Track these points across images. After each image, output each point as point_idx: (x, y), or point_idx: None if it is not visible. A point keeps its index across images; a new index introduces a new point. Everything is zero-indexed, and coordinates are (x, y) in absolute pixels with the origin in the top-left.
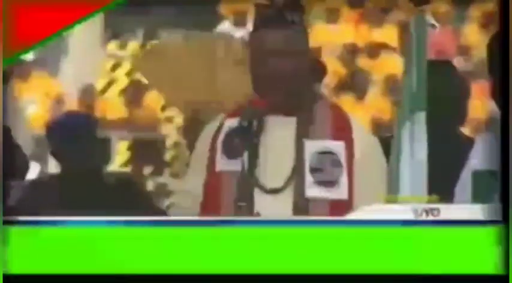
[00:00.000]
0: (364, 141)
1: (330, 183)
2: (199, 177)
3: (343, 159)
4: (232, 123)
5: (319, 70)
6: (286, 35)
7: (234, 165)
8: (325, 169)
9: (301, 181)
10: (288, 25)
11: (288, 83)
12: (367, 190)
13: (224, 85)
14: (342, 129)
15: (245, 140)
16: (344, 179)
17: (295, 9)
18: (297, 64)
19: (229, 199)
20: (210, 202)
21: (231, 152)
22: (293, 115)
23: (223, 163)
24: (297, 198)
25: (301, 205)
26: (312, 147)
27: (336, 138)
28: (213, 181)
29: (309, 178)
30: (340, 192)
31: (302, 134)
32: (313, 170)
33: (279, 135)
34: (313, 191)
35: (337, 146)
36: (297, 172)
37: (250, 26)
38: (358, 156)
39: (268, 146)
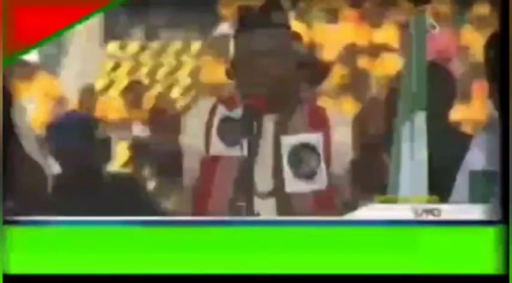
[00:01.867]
0: (341, 130)
1: (308, 175)
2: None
3: (320, 149)
4: (227, 112)
5: (319, 72)
6: (269, 36)
7: (230, 153)
8: (303, 161)
9: (280, 178)
10: (271, 26)
11: (271, 83)
12: (348, 179)
13: None
14: (319, 124)
15: (241, 133)
16: (322, 169)
17: (278, 10)
18: (281, 64)
19: (222, 196)
20: (205, 184)
21: (226, 139)
22: (274, 114)
23: (219, 149)
24: (278, 195)
25: (283, 201)
26: (288, 142)
27: (312, 131)
28: (208, 164)
29: (288, 173)
30: (319, 183)
31: (280, 131)
32: (292, 165)
33: (264, 133)
34: (293, 186)
35: (314, 138)
36: (277, 170)
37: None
38: (337, 145)
39: (256, 146)
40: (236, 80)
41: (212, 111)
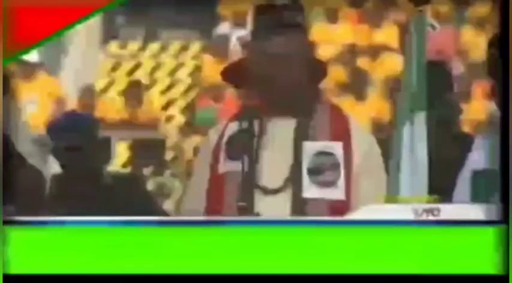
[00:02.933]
0: (363, 142)
1: (327, 184)
2: (204, 180)
3: (341, 160)
4: (234, 125)
5: (319, 70)
6: (286, 37)
7: (235, 166)
8: (323, 170)
9: (299, 182)
10: (288, 27)
11: (287, 85)
12: (365, 191)
13: None
14: (341, 130)
15: (246, 141)
16: (342, 180)
17: (295, 11)
18: (297, 66)
19: (230, 200)
20: (213, 203)
21: (233, 154)
22: (293, 116)
23: (225, 165)
24: (295, 199)
25: (299, 205)
26: (310, 148)
27: (334, 139)
28: (215, 182)
29: (306, 178)
30: (338, 193)
31: (301, 135)
32: (311, 171)
33: (278, 136)
34: (311, 192)
35: (336, 147)
36: (295, 172)
37: (249, 27)
38: (356, 157)
39: (268, 147)
40: (248, 83)
41: (222, 133)
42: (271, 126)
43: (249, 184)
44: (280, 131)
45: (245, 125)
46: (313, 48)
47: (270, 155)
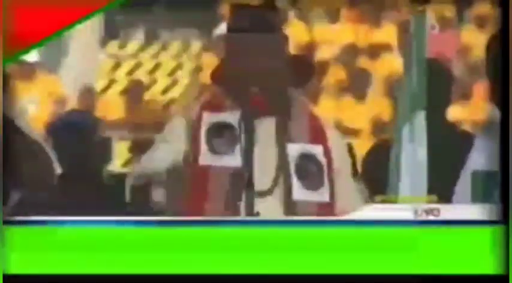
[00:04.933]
0: (338, 145)
1: (313, 186)
2: (166, 162)
3: (323, 162)
4: (213, 116)
5: (304, 71)
6: (262, 37)
7: (223, 162)
8: (309, 172)
9: (287, 184)
10: (264, 27)
11: (263, 85)
12: (346, 192)
13: None
14: (319, 133)
15: (232, 138)
16: (326, 182)
17: (272, 11)
18: (273, 66)
19: (218, 197)
20: (196, 196)
21: (217, 147)
22: (271, 116)
23: (208, 158)
24: (285, 201)
25: (290, 207)
26: (294, 150)
27: (314, 141)
28: (196, 175)
29: (295, 180)
30: (323, 195)
31: (283, 136)
32: (298, 173)
33: (259, 135)
34: (299, 194)
35: (317, 150)
36: (282, 174)
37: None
38: (335, 159)
39: (253, 146)
40: (226, 82)
41: (198, 119)
42: (253, 125)
43: (245, 184)
44: (261, 130)
45: (227, 119)
46: (288, 48)
47: (256, 155)
